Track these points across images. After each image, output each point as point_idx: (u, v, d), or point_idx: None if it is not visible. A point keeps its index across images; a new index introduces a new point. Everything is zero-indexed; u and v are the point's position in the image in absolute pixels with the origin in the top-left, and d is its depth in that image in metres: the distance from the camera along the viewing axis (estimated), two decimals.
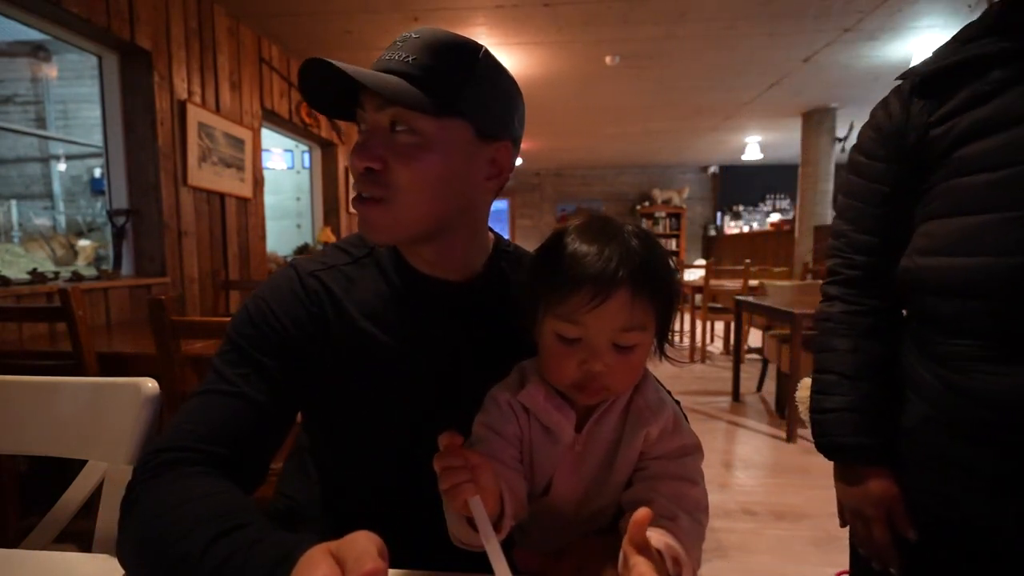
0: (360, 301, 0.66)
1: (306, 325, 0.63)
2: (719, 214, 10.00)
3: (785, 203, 9.74)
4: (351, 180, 4.27)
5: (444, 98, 0.59)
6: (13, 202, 4.63)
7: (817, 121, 5.75)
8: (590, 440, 0.57)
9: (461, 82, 0.60)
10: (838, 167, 5.96)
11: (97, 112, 2.79)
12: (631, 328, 0.51)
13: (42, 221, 4.73)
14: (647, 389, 0.59)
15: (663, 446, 0.58)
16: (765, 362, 3.85)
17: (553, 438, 0.57)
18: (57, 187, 4.80)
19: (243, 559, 0.42)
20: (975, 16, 0.71)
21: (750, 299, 3.59)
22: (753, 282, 4.68)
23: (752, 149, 7.36)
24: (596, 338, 0.51)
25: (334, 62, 0.55)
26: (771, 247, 7.40)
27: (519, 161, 7.96)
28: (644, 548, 0.44)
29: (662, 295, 0.53)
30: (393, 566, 0.52)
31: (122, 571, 0.49)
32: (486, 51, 0.63)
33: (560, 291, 0.51)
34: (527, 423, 0.57)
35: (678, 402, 0.65)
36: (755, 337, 5.11)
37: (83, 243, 3.48)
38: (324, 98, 0.63)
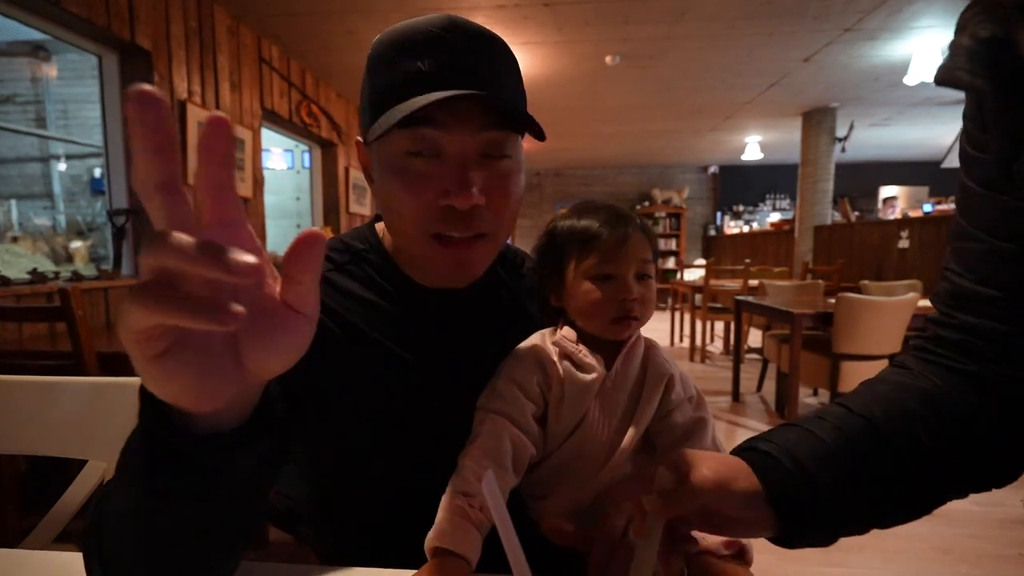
0: (350, 309, 0.63)
1: None
2: (719, 214, 10.00)
3: (785, 203, 9.74)
4: (351, 182, 4.25)
5: (524, 111, 0.56)
6: (13, 202, 4.63)
7: (817, 121, 5.75)
8: (619, 377, 0.63)
9: (524, 92, 0.60)
10: (838, 167, 5.97)
11: (97, 112, 2.79)
12: (647, 260, 0.64)
13: (42, 221, 4.73)
14: (659, 349, 0.66)
15: (690, 413, 0.64)
16: (765, 362, 3.85)
17: (585, 374, 0.62)
18: (57, 187, 4.80)
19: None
20: (975, 6, 0.65)
21: (750, 299, 3.59)
22: (753, 282, 4.68)
23: (752, 149, 7.36)
24: (626, 271, 0.62)
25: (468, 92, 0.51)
26: (771, 247, 7.41)
27: None
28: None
29: (652, 236, 0.67)
30: (391, 566, 0.53)
31: None
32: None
33: (596, 239, 0.62)
34: (556, 368, 0.62)
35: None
36: (755, 337, 5.11)
37: (75, 244, 3.48)
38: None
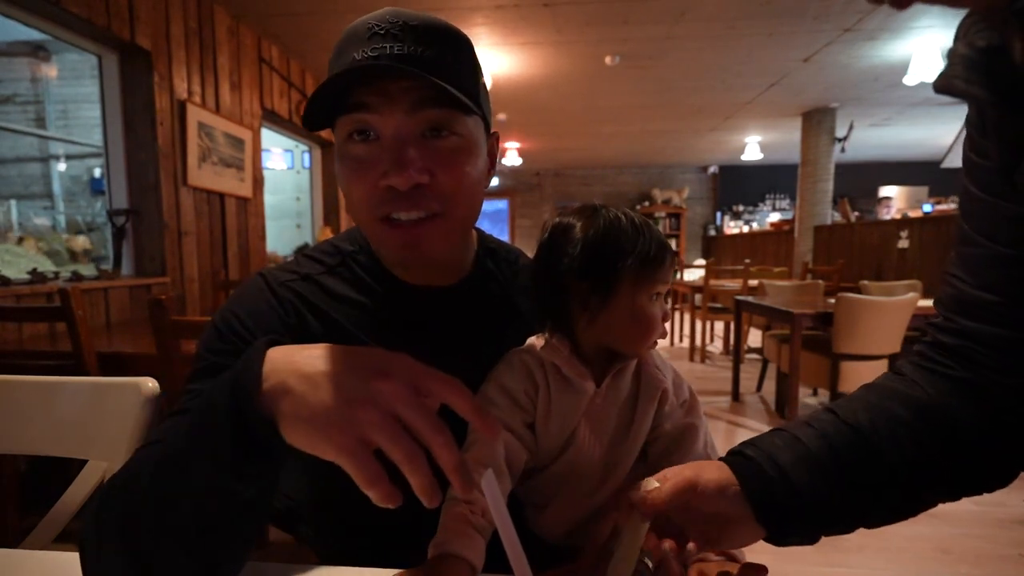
0: (339, 311, 0.63)
1: (280, 336, 0.58)
2: (719, 214, 10.00)
3: (785, 203, 9.74)
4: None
5: (470, 93, 0.56)
6: (13, 202, 4.63)
7: (817, 121, 5.76)
8: (610, 394, 0.61)
9: (473, 73, 0.59)
10: (838, 167, 5.97)
11: (97, 112, 2.79)
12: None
13: (42, 221, 4.72)
14: (652, 355, 0.65)
15: (680, 419, 0.63)
16: (765, 362, 3.85)
17: (574, 388, 0.60)
18: (57, 187, 4.80)
19: (200, 402, 0.43)
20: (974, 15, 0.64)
21: (750, 299, 3.59)
22: (753, 282, 4.68)
23: (752, 149, 7.36)
24: (667, 288, 0.62)
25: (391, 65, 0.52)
26: (771, 247, 7.41)
27: (519, 161, 7.98)
28: None
29: None
30: (391, 566, 0.53)
31: None
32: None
33: (660, 260, 0.59)
34: (544, 378, 0.60)
35: None
36: (755, 337, 5.11)
37: (80, 238, 3.46)
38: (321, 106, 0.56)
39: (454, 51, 0.57)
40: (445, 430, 0.36)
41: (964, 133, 0.51)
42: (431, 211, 0.56)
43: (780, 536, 0.49)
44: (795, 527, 0.48)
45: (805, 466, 0.48)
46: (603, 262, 0.58)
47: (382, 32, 0.54)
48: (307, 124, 0.57)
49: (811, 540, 0.50)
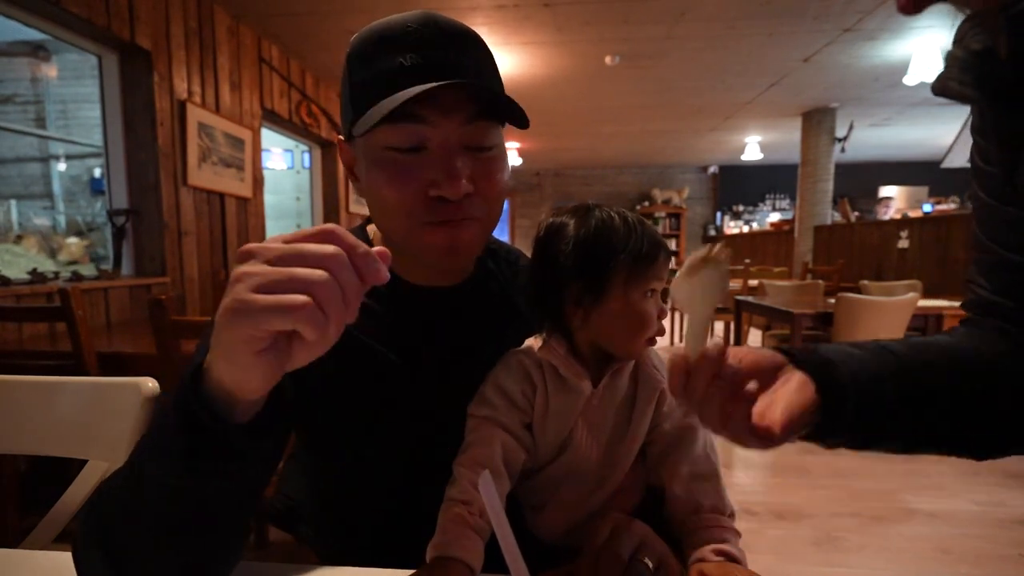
0: None
1: None
2: (719, 214, 10.00)
3: (785, 203, 9.74)
4: (350, 184, 4.36)
5: (506, 96, 0.57)
6: (13, 202, 4.63)
7: (817, 121, 5.76)
8: (607, 394, 0.61)
9: (500, 81, 0.60)
10: (838, 167, 5.97)
11: (97, 112, 2.79)
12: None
13: (42, 221, 4.72)
14: (651, 355, 0.64)
15: (679, 420, 0.62)
16: None
17: (571, 389, 0.60)
18: (57, 187, 4.80)
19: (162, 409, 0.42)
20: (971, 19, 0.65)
21: (750, 299, 3.59)
22: (753, 282, 4.68)
23: (752, 149, 7.36)
24: (662, 285, 0.61)
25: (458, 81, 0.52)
26: (771, 247, 7.41)
27: (519, 161, 7.97)
28: None
29: None
30: (391, 566, 0.53)
31: None
32: None
33: (646, 257, 0.59)
34: (541, 378, 0.61)
35: None
36: (755, 337, 5.11)
37: (71, 240, 3.45)
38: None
39: (484, 59, 0.58)
40: (338, 254, 0.34)
41: (965, 134, 0.51)
42: (471, 217, 0.58)
43: (834, 423, 0.46)
44: (848, 414, 0.45)
45: (860, 364, 0.46)
46: (595, 260, 0.58)
47: (427, 38, 0.54)
48: (356, 130, 0.57)
49: (860, 443, 0.47)
